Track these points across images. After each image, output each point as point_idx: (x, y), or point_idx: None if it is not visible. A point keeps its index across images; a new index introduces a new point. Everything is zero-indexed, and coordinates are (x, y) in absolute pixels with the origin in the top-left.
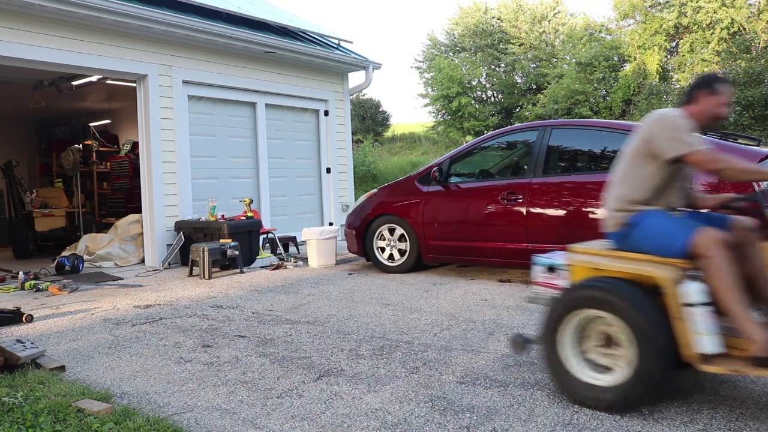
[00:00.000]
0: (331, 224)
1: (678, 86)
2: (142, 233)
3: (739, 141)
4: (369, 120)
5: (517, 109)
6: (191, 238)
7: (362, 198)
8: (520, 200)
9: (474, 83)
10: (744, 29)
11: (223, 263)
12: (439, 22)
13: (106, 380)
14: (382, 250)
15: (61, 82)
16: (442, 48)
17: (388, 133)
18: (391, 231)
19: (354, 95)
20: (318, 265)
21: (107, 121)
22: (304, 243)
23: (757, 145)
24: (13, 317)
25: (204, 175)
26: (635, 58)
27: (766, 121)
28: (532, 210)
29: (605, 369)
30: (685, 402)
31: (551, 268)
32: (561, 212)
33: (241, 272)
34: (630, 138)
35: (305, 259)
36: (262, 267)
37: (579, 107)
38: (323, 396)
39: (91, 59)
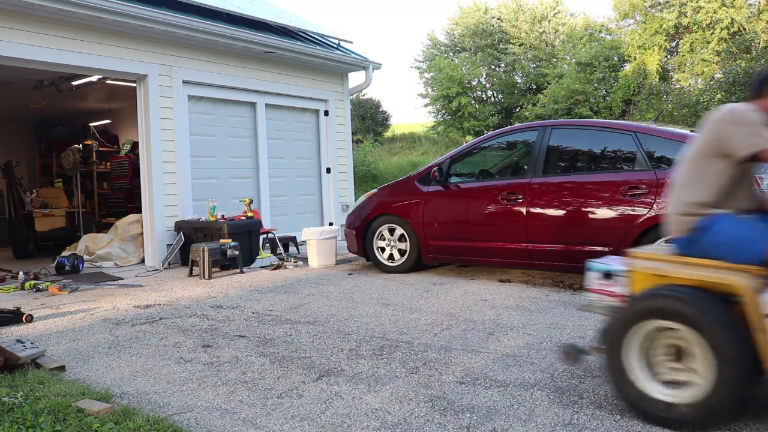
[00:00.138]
0: (331, 224)
1: (678, 86)
2: (142, 233)
3: None
4: (369, 120)
5: (517, 109)
6: (191, 238)
7: (362, 198)
8: (520, 200)
9: (474, 83)
10: (744, 29)
11: (223, 263)
12: (439, 22)
13: (106, 380)
14: (382, 250)
15: (61, 82)
16: (442, 48)
17: (388, 133)
18: (391, 231)
19: (354, 95)
20: (318, 265)
21: (107, 121)
22: (304, 243)
23: None
24: (13, 317)
25: (204, 175)
26: (635, 58)
27: None
28: (532, 210)
29: (676, 384)
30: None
31: (607, 274)
32: (561, 212)
33: (241, 272)
34: (694, 137)
35: (305, 259)
36: (262, 267)
37: (579, 107)
38: (323, 396)
39: (91, 59)
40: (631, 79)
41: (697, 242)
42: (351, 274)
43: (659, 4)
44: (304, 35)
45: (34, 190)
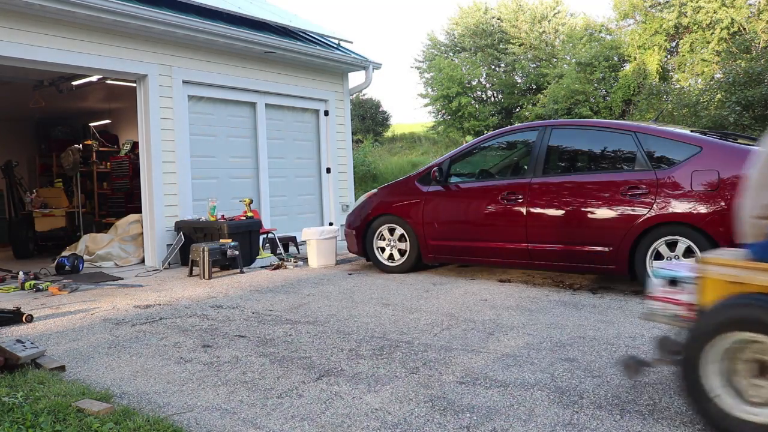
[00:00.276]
0: (331, 224)
1: (678, 86)
2: (142, 233)
3: (739, 141)
4: (369, 120)
5: (517, 109)
6: (191, 238)
7: (362, 198)
8: (520, 200)
9: (474, 83)
10: (744, 29)
11: (223, 263)
12: (439, 22)
13: (106, 380)
14: (382, 250)
15: (61, 82)
16: (442, 48)
17: (388, 133)
18: (391, 231)
19: (354, 95)
20: (318, 265)
21: (107, 121)
22: (304, 243)
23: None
24: (13, 317)
25: (204, 175)
26: (635, 58)
27: (766, 121)
28: (532, 210)
29: (762, 404)
30: (685, 402)
31: (673, 281)
32: (561, 212)
33: (241, 272)
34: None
35: (305, 259)
36: (262, 267)
37: (579, 107)
38: (323, 396)
39: (91, 59)
40: (631, 79)
41: None
42: (351, 274)
43: (659, 4)
44: (304, 35)
45: (34, 190)
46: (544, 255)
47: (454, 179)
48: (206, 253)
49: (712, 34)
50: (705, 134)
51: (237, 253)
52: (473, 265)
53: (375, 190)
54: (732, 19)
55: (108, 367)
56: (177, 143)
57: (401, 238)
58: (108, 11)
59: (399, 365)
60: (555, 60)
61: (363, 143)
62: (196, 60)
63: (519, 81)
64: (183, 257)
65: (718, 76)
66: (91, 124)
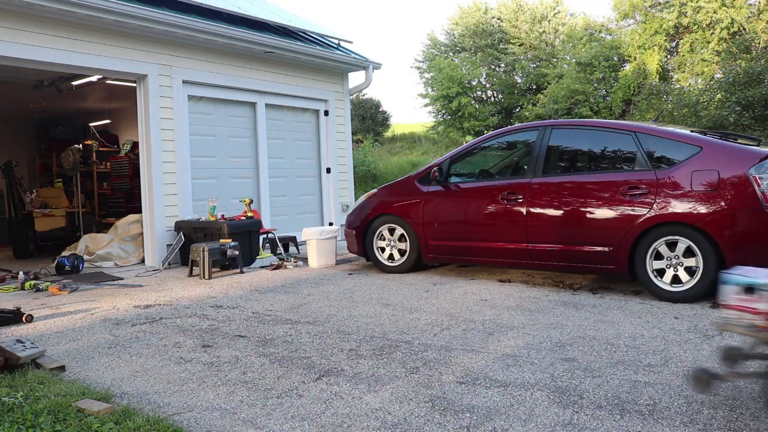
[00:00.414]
0: (331, 224)
1: (678, 86)
2: (142, 233)
3: (739, 141)
4: (369, 120)
5: (517, 109)
6: (191, 238)
7: (362, 198)
8: (520, 200)
9: (474, 83)
10: (744, 29)
11: (223, 263)
12: (439, 22)
13: (106, 380)
14: (382, 250)
15: (61, 82)
16: (442, 48)
17: (388, 133)
18: (391, 231)
19: (354, 95)
20: (318, 265)
21: (107, 121)
22: (304, 243)
23: (757, 145)
24: (13, 317)
25: (204, 175)
26: (635, 58)
27: (766, 121)
28: (532, 210)
29: None
30: (685, 402)
31: (749, 289)
32: (561, 212)
33: (241, 272)
34: None
35: (305, 259)
36: (262, 267)
37: (579, 107)
38: (323, 396)
39: (91, 59)
40: (631, 79)
41: None
42: (351, 274)
43: (659, 4)
44: (304, 35)
45: (34, 190)
46: (544, 255)
47: (454, 179)
48: (206, 253)
49: (712, 34)
50: (705, 134)
51: (237, 253)
52: (473, 265)
53: (375, 190)
54: (732, 19)
55: (108, 367)
56: (177, 143)
57: (401, 238)
58: (108, 11)
59: (399, 365)
60: (555, 60)
61: (363, 143)
62: (196, 60)
63: (519, 81)
64: (183, 257)
65: (718, 76)
66: (91, 124)
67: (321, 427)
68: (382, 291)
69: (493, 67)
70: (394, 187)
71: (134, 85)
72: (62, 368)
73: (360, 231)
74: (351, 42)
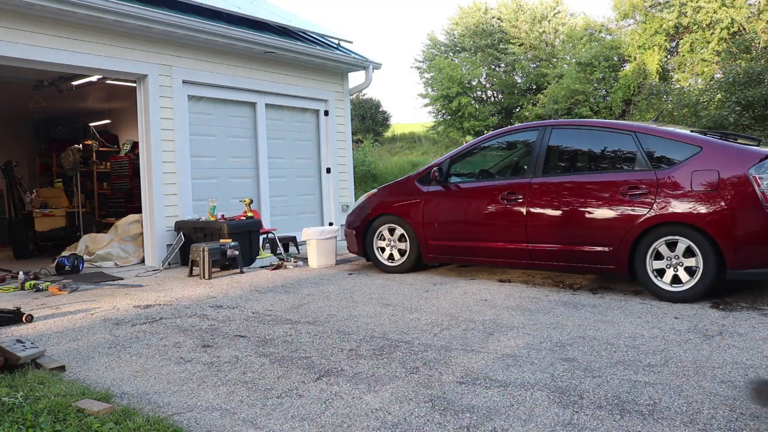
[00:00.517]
0: (331, 224)
1: (678, 86)
2: (142, 233)
3: (739, 141)
4: (369, 120)
5: (517, 109)
6: (191, 238)
7: (362, 198)
8: (520, 200)
9: (474, 83)
10: (744, 29)
11: (223, 263)
12: (439, 22)
13: (106, 380)
14: (382, 250)
15: (61, 82)
16: (442, 48)
17: (388, 133)
18: (391, 231)
19: (354, 95)
20: (318, 265)
21: (107, 121)
22: (304, 243)
23: (757, 145)
24: (13, 317)
25: (204, 175)
26: (635, 58)
27: (766, 121)
28: (532, 210)
29: None
30: (685, 402)
31: None
32: (561, 212)
33: (241, 272)
34: None
35: (305, 259)
36: (262, 267)
37: (579, 107)
38: (323, 396)
39: (91, 59)
40: (631, 79)
41: None
42: (351, 274)
43: (659, 4)
44: (304, 35)
45: (34, 190)
46: (544, 255)
47: (454, 179)
48: (206, 253)
49: (712, 34)
50: (705, 134)
51: (237, 253)
52: (473, 265)
53: (375, 190)
54: (732, 19)
55: (108, 367)
56: (177, 143)
57: (401, 238)
58: (108, 11)
59: (399, 365)
60: (555, 60)
61: (363, 143)
62: (196, 60)
63: (519, 81)
64: (183, 257)
65: (718, 76)
66: (91, 124)
67: (321, 427)
68: (382, 291)
69: (493, 67)
70: (394, 187)
71: (134, 85)
72: (62, 368)
73: (360, 231)
74: (351, 42)
